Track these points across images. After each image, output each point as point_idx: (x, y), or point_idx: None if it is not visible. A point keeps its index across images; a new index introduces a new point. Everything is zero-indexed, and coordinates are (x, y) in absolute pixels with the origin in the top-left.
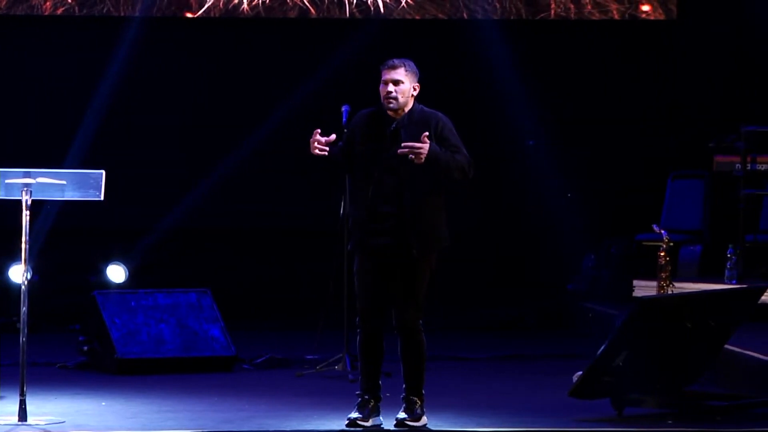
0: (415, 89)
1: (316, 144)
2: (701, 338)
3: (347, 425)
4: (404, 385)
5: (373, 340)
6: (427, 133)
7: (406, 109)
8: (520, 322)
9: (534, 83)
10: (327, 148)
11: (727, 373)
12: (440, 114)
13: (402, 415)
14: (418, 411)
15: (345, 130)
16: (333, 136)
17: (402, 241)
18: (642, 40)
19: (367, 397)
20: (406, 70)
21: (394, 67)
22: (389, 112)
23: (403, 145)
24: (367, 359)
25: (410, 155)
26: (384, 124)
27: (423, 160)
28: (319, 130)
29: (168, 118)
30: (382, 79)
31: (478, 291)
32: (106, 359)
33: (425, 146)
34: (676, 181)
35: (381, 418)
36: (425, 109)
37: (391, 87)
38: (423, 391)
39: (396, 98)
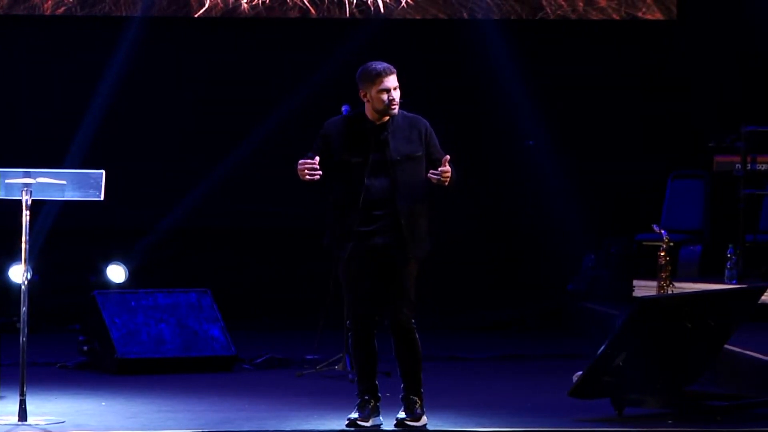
0: None
1: (306, 169)
2: (701, 338)
3: (347, 425)
4: (402, 385)
5: (368, 342)
6: (448, 157)
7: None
8: (521, 322)
9: (534, 83)
10: (320, 171)
11: (727, 373)
12: (422, 118)
13: (402, 415)
14: (418, 411)
15: (317, 140)
16: (317, 158)
17: (396, 242)
18: (642, 40)
19: (366, 397)
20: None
21: (393, 73)
22: (373, 117)
23: (431, 172)
24: (364, 360)
25: (438, 178)
26: (367, 130)
27: (448, 183)
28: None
29: (168, 118)
30: (382, 86)
31: (478, 292)
32: (106, 359)
33: (449, 170)
34: (676, 181)
35: (381, 418)
36: (404, 112)
37: (393, 93)
38: (422, 390)
39: (398, 103)
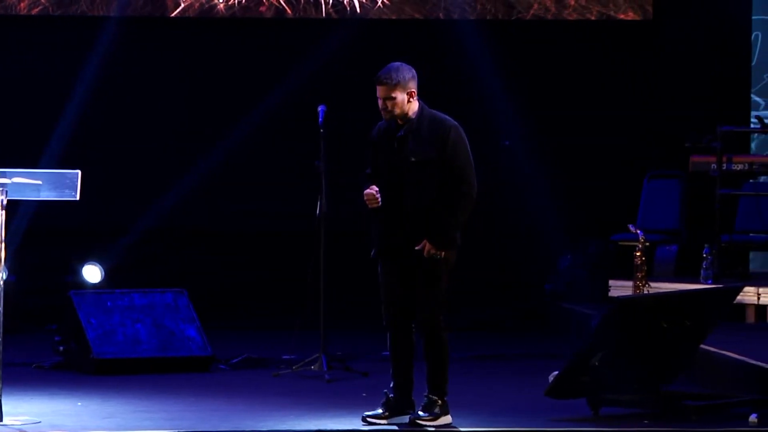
0: (411, 95)
1: (368, 200)
2: (677, 338)
3: (362, 420)
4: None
5: (398, 341)
6: (418, 248)
7: (411, 114)
8: (498, 322)
9: (511, 83)
10: (379, 200)
11: (703, 372)
12: (450, 122)
13: (418, 413)
14: (437, 411)
15: (372, 145)
16: (374, 187)
17: (410, 244)
18: (618, 40)
19: (391, 396)
20: (394, 84)
21: (381, 84)
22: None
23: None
24: (392, 358)
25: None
26: (389, 133)
27: (444, 252)
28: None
29: (144, 118)
30: (377, 93)
31: (456, 292)
32: (82, 359)
33: (427, 249)
34: (652, 181)
35: (405, 417)
36: (435, 114)
37: (381, 103)
38: (446, 390)
39: (390, 111)
